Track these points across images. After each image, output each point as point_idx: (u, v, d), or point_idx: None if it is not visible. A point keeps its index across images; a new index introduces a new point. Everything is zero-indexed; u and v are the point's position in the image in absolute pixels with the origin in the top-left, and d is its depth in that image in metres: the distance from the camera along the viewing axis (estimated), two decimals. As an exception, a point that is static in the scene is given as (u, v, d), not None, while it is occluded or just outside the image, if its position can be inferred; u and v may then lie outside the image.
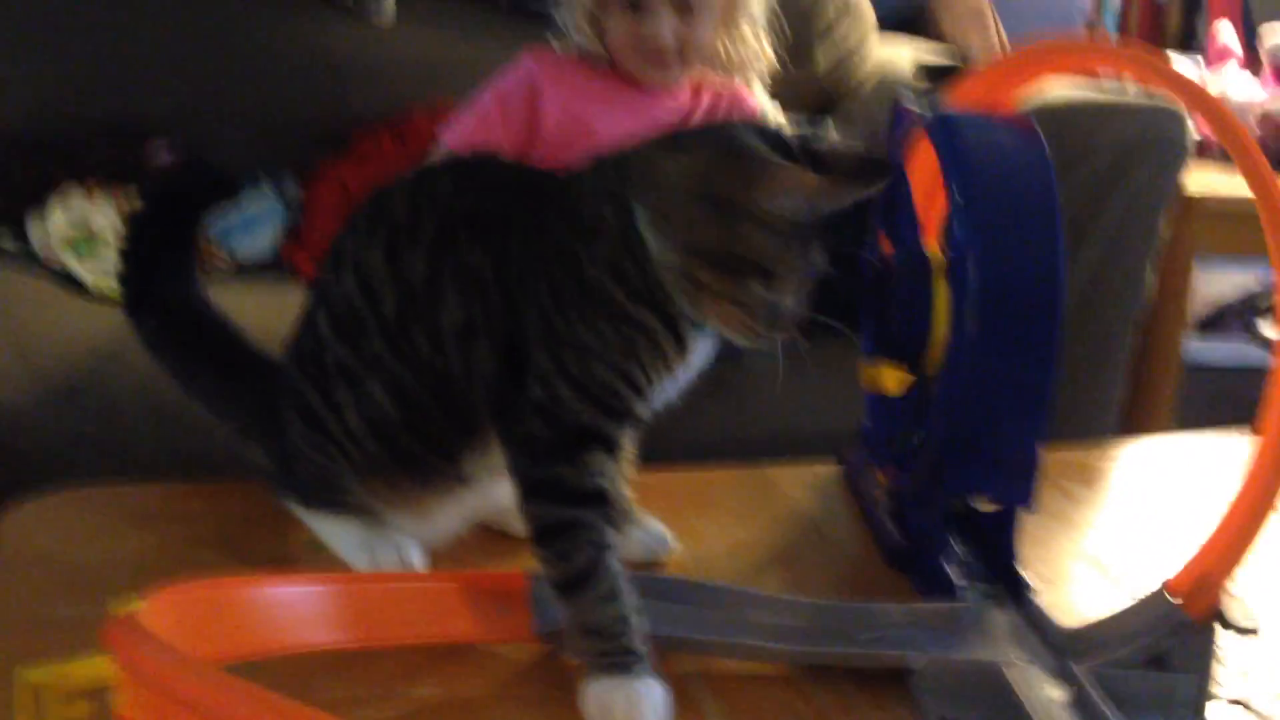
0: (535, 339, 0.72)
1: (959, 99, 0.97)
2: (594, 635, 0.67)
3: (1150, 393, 1.69)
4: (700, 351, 0.75)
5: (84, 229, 1.61)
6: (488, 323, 0.73)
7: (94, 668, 0.49)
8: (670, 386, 0.75)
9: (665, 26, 1.39)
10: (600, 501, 0.70)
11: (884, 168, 0.71)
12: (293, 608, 0.66)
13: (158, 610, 0.54)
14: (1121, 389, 1.57)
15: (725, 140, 0.70)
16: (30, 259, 1.63)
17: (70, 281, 1.55)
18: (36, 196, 1.68)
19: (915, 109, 0.91)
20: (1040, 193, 0.79)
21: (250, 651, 0.62)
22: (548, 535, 0.70)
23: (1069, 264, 1.41)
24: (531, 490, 0.72)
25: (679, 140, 0.72)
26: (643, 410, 0.74)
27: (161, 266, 0.87)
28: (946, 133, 0.82)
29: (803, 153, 0.68)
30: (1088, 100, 1.46)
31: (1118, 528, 0.96)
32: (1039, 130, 0.81)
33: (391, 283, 0.74)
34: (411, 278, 0.74)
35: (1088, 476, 1.05)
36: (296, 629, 0.66)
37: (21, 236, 1.69)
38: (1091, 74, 1.37)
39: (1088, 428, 1.52)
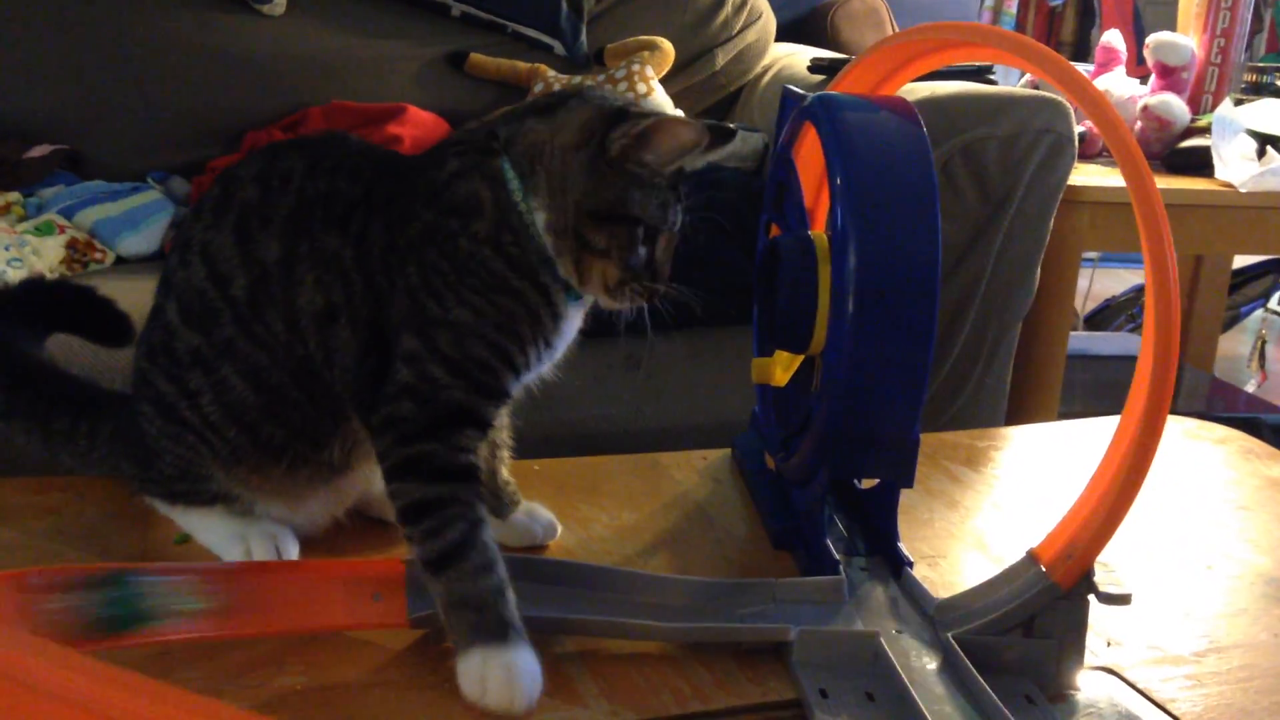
0: (402, 322, 0.71)
1: (846, 86, 0.98)
2: (468, 609, 0.66)
3: (1037, 383, 1.72)
4: (572, 322, 0.76)
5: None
6: (349, 307, 0.72)
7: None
8: (545, 360, 0.76)
9: None
10: (471, 477, 0.70)
11: (728, 133, 0.75)
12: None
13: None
14: (1009, 380, 1.60)
15: (598, 100, 0.72)
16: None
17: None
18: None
19: (801, 93, 0.91)
20: (919, 174, 0.79)
21: (99, 644, 0.60)
22: (417, 512, 0.68)
23: (962, 258, 1.46)
24: (399, 469, 0.70)
25: (548, 106, 0.72)
26: (514, 387, 0.75)
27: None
28: (827, 114, 0.83)
29: (637, 116, 0.71)
30: (974, 92, 1.48)
31: (1000, 508, 0.97)
32: (917, 112, 0.82)
33: (242, 265, 0.73)
34: (265, 258, 0.72)
35: (972, 459, 1.07)
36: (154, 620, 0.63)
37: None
38: (975, 60, 1.39)
39: (978, 418, 1.55)
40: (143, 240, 1.63)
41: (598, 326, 1.38)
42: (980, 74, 1.70)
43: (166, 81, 1.86)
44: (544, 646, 0.70)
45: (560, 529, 0.85)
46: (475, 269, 0.70)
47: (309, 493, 0.78)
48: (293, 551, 0.78)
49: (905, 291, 0.76)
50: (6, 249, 1.48)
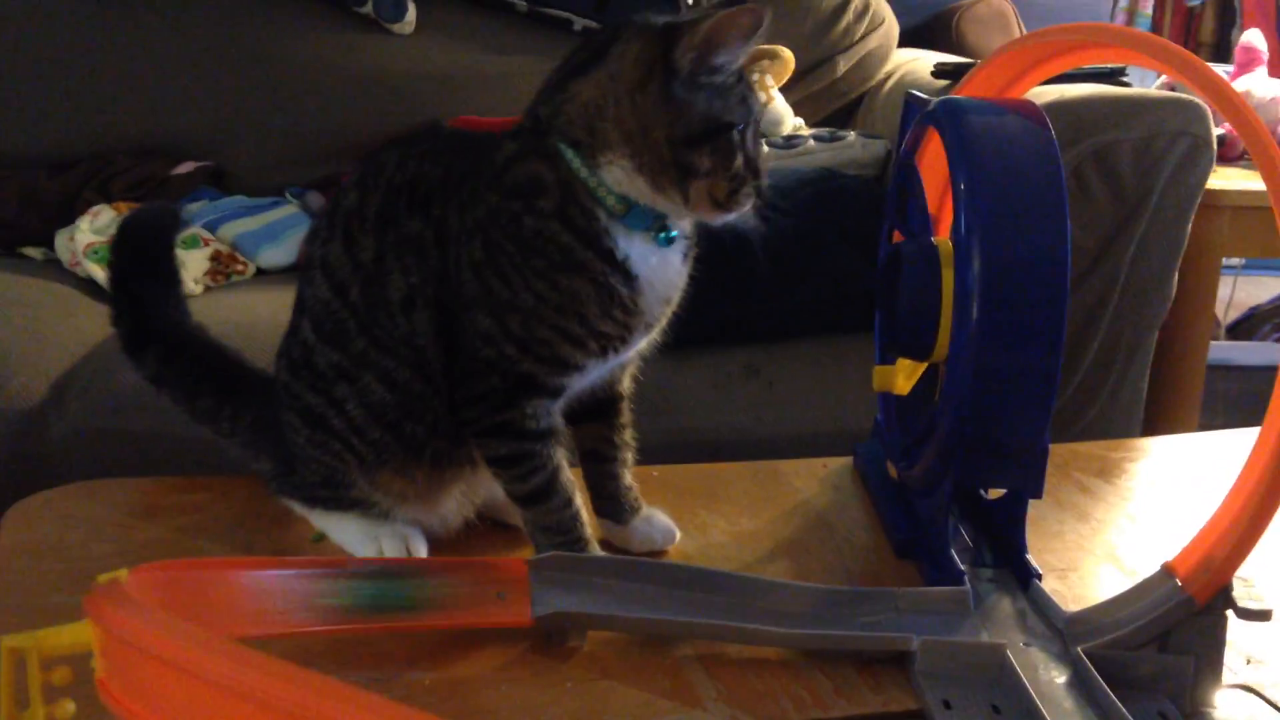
0: (474, 300, 0.73)
1: (971, 90, 0.96)
2: (552, 532, 0.77)
3: (1175, 393, 1.66)
4: (668, 264, 0.75)
5: (107, 236, 1.63)
6: (424, 290, 0.74)
7: (75, 634, 0.49)
8: (636, 325, 0.75)
9: None
10: (546, 436, 0.76)
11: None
12: (287, 590, 0.66)
13: (143, 584, 0.54)
14: (1147, 390, 1.55)
15: (639, 29, 0.70)
16: (54, 266, 1.65)
17: (92, 286, 1.56)
18: (66, 217, 1.72)
19: (924, 98, 0.90)
20: (1046, 178, 0.77)
21: (241, 633, 0.62)
22: (502, 463, 0.76)
23: (1094, 264, 1.42)
24: (484, 432, 0.76)
25: (585, 62, 0.72)
26: (588, 360, 0.75)
27: (149, 308, 0.89)
28: (951, 118, 0.81)
29: (690, 25, 0.69)
30: (1106, 94, 1.44)
31: (1134, 521, 0.94)
32: (1045, 115, 0.80)
33: (351, 270, 0.75)
34: (364, 259, 0.75)
35: (1105, 471, 1.04)
36: (290, 612, 0.65)
37: (50, 249, 1.72)
38: (1106, 62, 1.35)
39: (1112, 429, 1.50)
40: (281, 252, 1.69)
41: (716, 333, 1.39)
42: (1112, 76, 1.65)
43: (303, 100, 1.93)
44: (664, 650, 0.71)
45: (679, 535, 0.85)
46: (540, 247, 0.71)
47: (444, 494, 0.81)
48: (422, 551, 0.80)
49: (1032, 298, 0.74)
50: (156, 261, 1.56)
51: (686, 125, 0.69)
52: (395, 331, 0.75)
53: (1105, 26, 0.87)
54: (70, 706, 0.51)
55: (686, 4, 2.01)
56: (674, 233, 0.74)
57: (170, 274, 0.91)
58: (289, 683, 0.38)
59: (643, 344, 0.79)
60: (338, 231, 0.77)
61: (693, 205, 0.71)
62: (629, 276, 0.72)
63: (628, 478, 0.84)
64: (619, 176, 0.71)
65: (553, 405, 0.76)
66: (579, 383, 0.77)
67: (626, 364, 0.82)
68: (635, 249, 0.72)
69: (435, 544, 0.82)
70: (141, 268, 0.89)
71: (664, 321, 0.78)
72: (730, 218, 0.73)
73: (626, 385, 0.84)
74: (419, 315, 0.74)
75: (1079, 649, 0.67)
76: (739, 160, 0.70)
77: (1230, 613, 0.67)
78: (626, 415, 0.84)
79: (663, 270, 0.74)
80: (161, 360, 0.88)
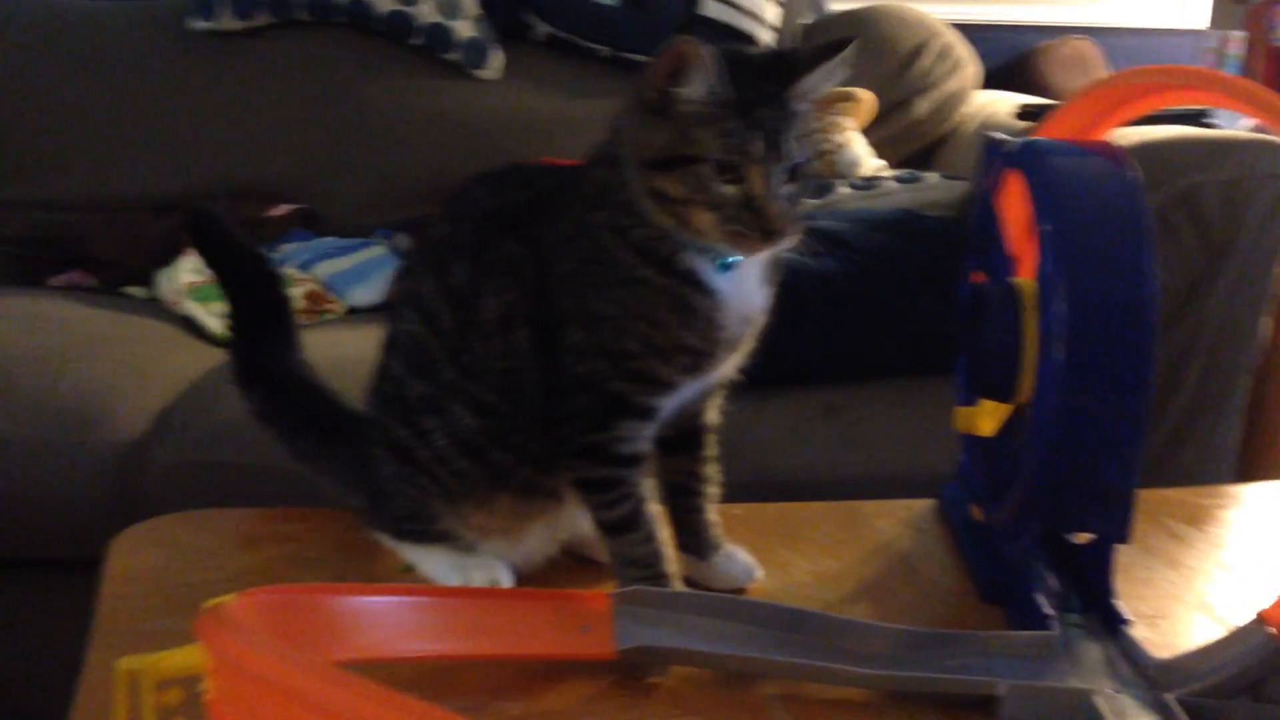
0: (568, 314, 0.74)
1: (1053, 131, 0.96)
2: (635, 566, 0.78)
3: (1270, 440, 1.62)
4: (742, 294, 0.75)
5: (206, 276, 1.69)
6: (522, 306, 0.75)
7: (187, 657, 0.52)
8: (720, 345, 0.75)
9: None
10: (636, 462, 0.77)
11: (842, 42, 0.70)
12: (382, 617, 0.68)
13: (249, 609, 0.56)
14: (1239, 436, 1.51)
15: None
16: (155, 305, 1.72)
17: (191, 325, 1.62)
18: (167, 258, 1.79)
19: (1004, 139, 0.90)
20: (1131, 220, 0.77)
21: (338, 657, 0.64)
22: (590, 488, 0.77)
23: (1182, 307, 1.40)
24: (575, 453, 0.77)
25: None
26: (675, 376, 0.75)
27: (262, 346, 0.93)
28: (1034, 160, 0.82)
29: (774, 58, 0.71)
30: (1192, 136, 1.42)
31: (1228, 569, 0.92)
32: (1129, 156, 0.80)
33: (444, 298, 0.78)
34: (458, 285, 0.77)
35: (1197, 518, 1.02)
36: (385, 638, 0.67)
37: (150, 288, 1.79)
38: (1191, 104, 1.34)
39: (1204, 475, 1.47)
40: (370, 291, 1.75)
41: (795, 374, 1.40)
42: (1198, 118, 1.63)
43: (392, 145, 1.99)
44: (746, 687, 0.72)
45: (760, 573, 0.86)
46: (617, 260, 0.73)
47: (528, 528, 0.82)
48: (508, 583, 0.81)
49: (1118, 339, 0.74)
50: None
51: (650, 149, 0.70)
52: (486, 354, 0.76)
53: (1191, 69, 0.87)
54: (181, 726, 0.54)
55: (760, 40, 2.04)
56: (729, 259, 0.74)
57: (283, 314, 0.94)
58: (393, 709, 0.40)
59: (728, 367, 0.80)
60: (429, 263, 0.79)
61: (691, 232, 0.71)
62: (706, 290, 0.73)
63: (711, 513, 0.85)
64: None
65: (644, 429, 0.77)
66: (670, 404, 0.78)
67: (711, 391, 0.83)
68: (705, 266, 0.73)
69: (520, 579, 0.83)
70: (257, 305, 0.93)
71: (748, 344, 0.79)
72: (746, 254, 0.72)
73: (712, 417, 0.85)
74: (516, 334, 0.76)
75: (1169, 697, 0.66)
76: (721, 193, 0.69)
77: (1327, 662, 0.65)
78: (712, 449, 0.85)
79: (739, 287, 0.75)
80: (266, 398, 0.92)
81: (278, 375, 0.92)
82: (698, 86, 0.68)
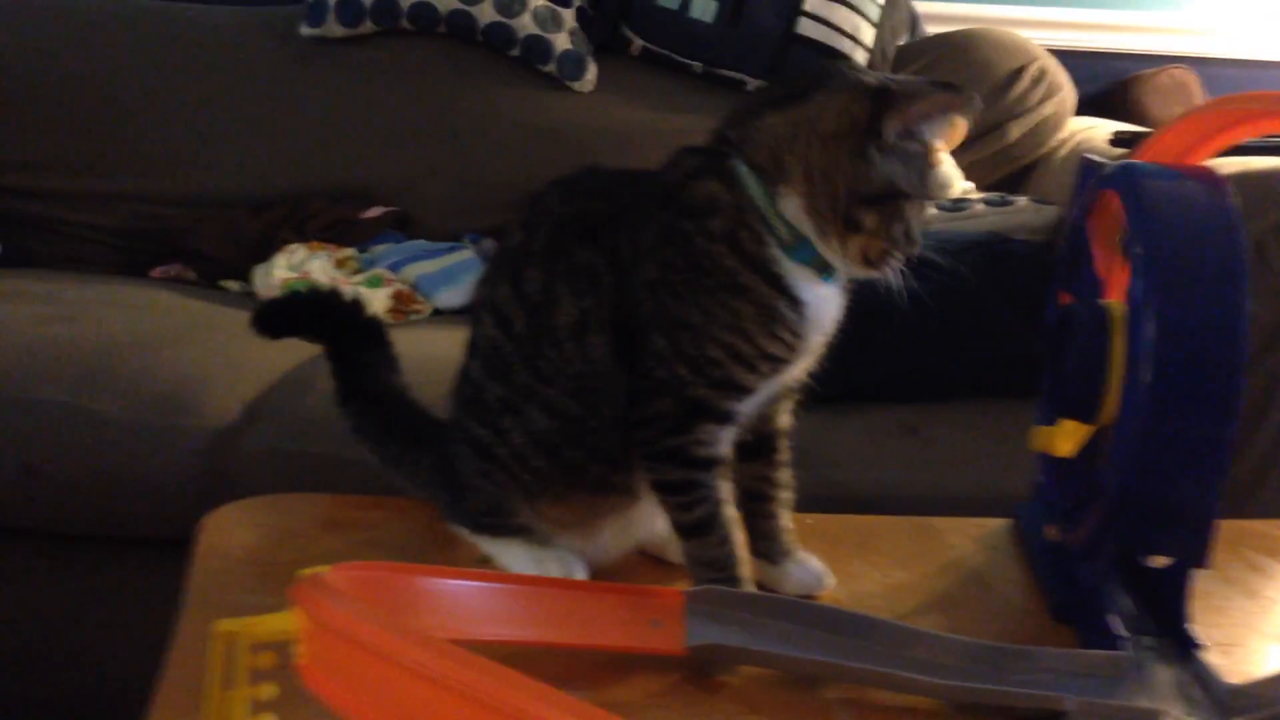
0: (649, 321, 0.76)
1: (1149, 156, 0.96)
2: (710, 568, 0.79)
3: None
4: (828, 302, 0.78)
5: (301, 272, 1.74)
6: (599, 313, 0.77)
7: (281, 622, 0.54)
8: (797, 351, 0.77)
9: None
10: (714, 465, 0.78)
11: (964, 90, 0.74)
12: (462, 600, 0.70)
13: (343, 581, 0.59)
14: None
15: (851, 83, 0.74)
16: (250, 299, 1.77)
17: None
18: (264, 253, 1.85)
19: (1101, 161, 0.90)
20: (1226, 245, 0.77)
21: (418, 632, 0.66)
22: (668, 490, 0.78)
23: (1274, 339, 1.37)
24: (655, 455, 0.78)
25: (787, 97, 0.75)
26: (760, 382, 0.77)
27: (357, 369, 0.97)
28: (1130, 182, 0.82)
29: (905, 98, 0.72)
30: (1292, 167, 1.40)
31: (1310, 605, 0.91)
32: (1225, 181, 0.80)
33: (517, 304, 0.80)
34: (532, 292, 0.79)
35: (1277, 550, 1.00)
36: (463, 619, 0.69)
37: (247, 282, 1.85)
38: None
39: (1290, 510, 1.44)
40: (457, 294, 1.78)
41: (875, 390, 1.39)
42: (1302, 150, 1.59)
43: (485, 152, 2.03)
44: (812, 691, 0.72)
45: (832, 580, 0.86)
46: (709, 268, 0.74)
47: (603, 523, 0.84)
48: (582, 576, 0.83)
49: (1207, 364, 0.74)
50: (343, 297, 1.66)
51: (868, 184, 0.72)
52: (559, 359, 0.78)
53: (1292, 96, 0.86)
54: (272, 689, 0.56)
55: (855, 61, 2.04)
56: (837, 271, 0.77)
57: (376, 341, 0.99)
58: (488, 675, 0.42)
59: (801, 371, 0.81)
60: (504, 271, 0.81)
61: (846, 255, 0.75)
62: (796, 302, 0.75)
63: (785, 518, 0.85)
64: (793, 210, 0.74)
65: (722, 433, 0.78)
66: (749, 408, 0.79)
67: (784, 395, 0.84)
68: (800, 277, 0.75)
69: (594, 574, 0.85)
70: (351, 339, 0.98)
71: (820, 350, 0.81)
72: (871, 276, 0.76)
73: (785, 421, 0.86)
74: (591, 339, 0.77)
75: (1242, 722, 0.66)
76: (901, 228, 0.74)
77: None
78: (785, 454, 0.86)
79: (826, 301, 0.77)
80: (360, 414, 0.96)
81: (371, 394, 0.96)
82: (936, 131, 0.73)
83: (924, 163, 0.73)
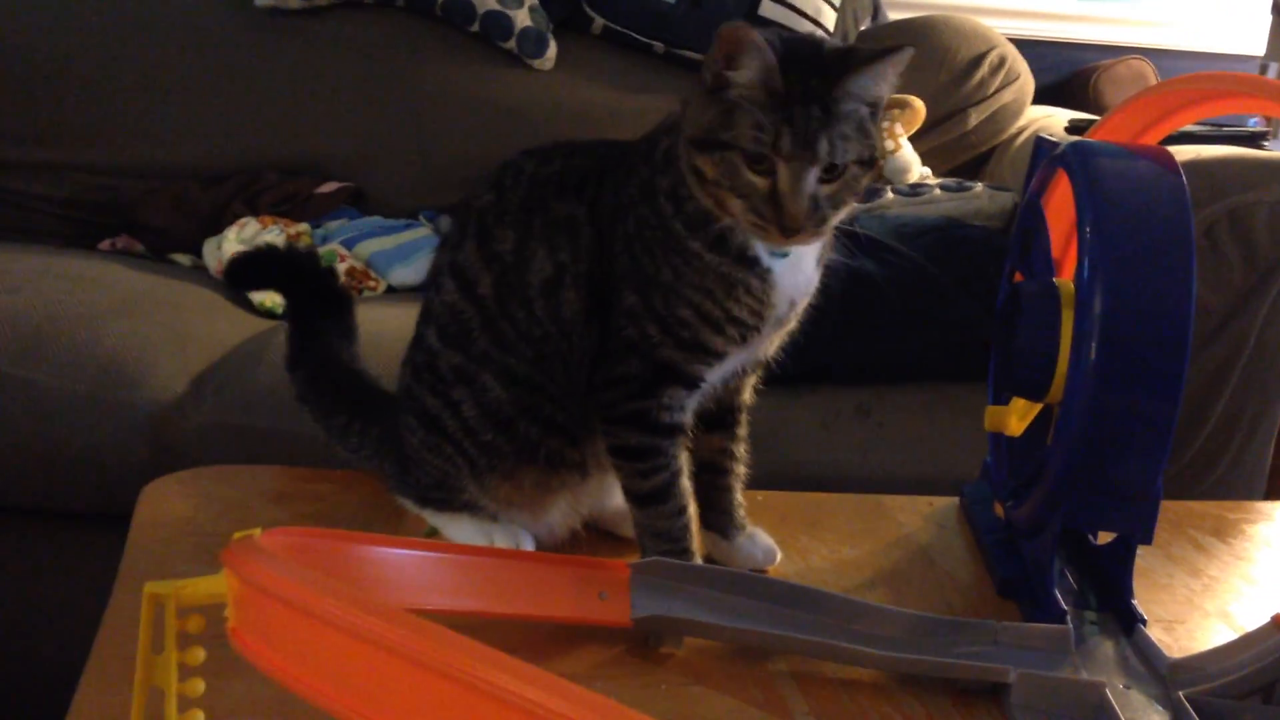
0: (624, 276, 0.75)
1: (1104, 135, 0.96)
2: (661, 539, 0.78)
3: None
4: (792, 276, 0.75)
5: (252, 246, 1.71)
6: (575, 267, 0.76)
7: (211, 585, 0.53)
8: (766, 321, 0.76)
9: None
10: (676, 432, 0.77)
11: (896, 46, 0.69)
12: (404, 569, 0.69)
13: (274, 544, 0.58)
14: (1271, 459, 1.50)
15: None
16: (201, 273, 1.74)
17: (234, 293, 1.65)
18: (215, 227, 1.81)
19: (1054, 140, 0.90)
20: (1174, 223, 0.77)
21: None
22: (628, 455, 0.78)
23: (1223, 325, 1.39)
24: (618, 419, 0.77)
25: None
26: (728, 347, 0.76)
27: (316, 339, 0.96)
28: (1081, 159, 0.82)
29: (832, 54, 0.69)
30: (1244, 156, 1.41)
31: (1251, 582, 0.92)
32: (1176, 161, 0.80)
33: (484, 264, 0.78)
34: (502, 250, 0.78)
35: (1221, 530, 1.01)
36: (406, 589, 0.68)
37: (198, 256, 1.81)
38: (1241, 111, 1.33)
39: (1234, 493, 1.46)
40: (411, 272, 1.76)
41: (830, 372, 1.40)
42: (1253, 140, 1.61)
43: (443, 129, 2.01)
44: (758, 662, 0.72)
45: (780, 556, 0.86)
46: (678, 231, 0.73)
47: (551, 502, 0.83)
48: (529, 549, 0.82)
49: (1152, 342, 0.74)
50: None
51: (694, 126, 0.70)
52: (527, 320, 0.77)
53: (1243, 76, 0.86)
54: (201, 653, 0.55)
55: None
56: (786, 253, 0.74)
57: (340, 309, 0.97)
58: (418, 633, 0.41)
59: (773, 344, 0.81)
60: (470, 231, 0.80)
61: (729, 216, 0.70)
62: (758, 269, 0.73)
63: (739, 493, 0.85)
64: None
65: (688, 400, 0.77)
66: (716, 374, 0.79)
67: (751, 368, 0.83)
68: (762, 248, 0.73)
69: (541, 549, 0.84)
70: (316, 303, 0.97)
71: (794, 322, 0.80)
72: (771, 246, 0.72)
73: (748, 396, 0.86)
74: (565, 295, 0.76)
75: (1181, 694, 0.66)
76: (749, 182, 0.68)
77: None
78: (745, 428, 0.86)
79: (793, 270, 0.75)
80: (307, 381, 0.94)
81: (318, 363, 0.95)
82: (747, 73, 0.67)
83: (761, 117, 0.67)
